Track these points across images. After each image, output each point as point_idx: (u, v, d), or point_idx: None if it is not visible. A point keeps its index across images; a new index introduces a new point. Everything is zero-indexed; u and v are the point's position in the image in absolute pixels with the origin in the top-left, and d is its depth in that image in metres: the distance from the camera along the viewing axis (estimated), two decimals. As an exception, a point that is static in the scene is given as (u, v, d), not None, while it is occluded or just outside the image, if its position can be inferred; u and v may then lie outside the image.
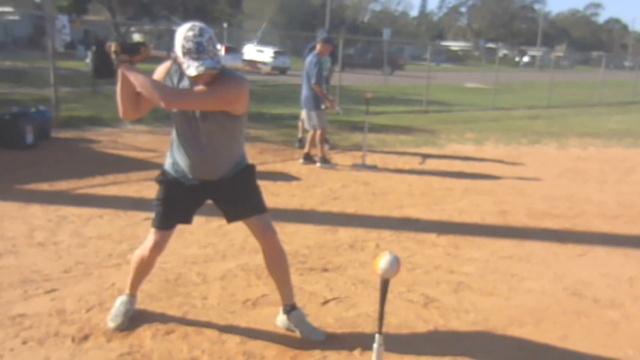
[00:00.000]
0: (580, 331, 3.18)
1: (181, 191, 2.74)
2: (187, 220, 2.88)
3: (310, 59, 6.91)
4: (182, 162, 2.70)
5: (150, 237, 2.83)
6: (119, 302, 2.98)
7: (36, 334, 2.81)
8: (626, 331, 3.21)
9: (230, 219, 2.86)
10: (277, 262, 2.88)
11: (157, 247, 2.83)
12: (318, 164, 7.02)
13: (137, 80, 2.44)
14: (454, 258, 4.19)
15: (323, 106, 6.84)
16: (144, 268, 2.94)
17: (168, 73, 2.60)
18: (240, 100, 2.56)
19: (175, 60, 2.54)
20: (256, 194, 2.84)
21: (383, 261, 1.99)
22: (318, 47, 6.93)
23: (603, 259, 4.36)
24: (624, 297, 3.67)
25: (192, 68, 2.39)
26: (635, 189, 6.81)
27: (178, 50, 2.42)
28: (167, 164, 2.78)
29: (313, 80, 6.76)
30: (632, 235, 5.02)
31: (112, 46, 2.37)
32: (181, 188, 2.74)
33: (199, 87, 2.50)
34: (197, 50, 2.38)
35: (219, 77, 2.49)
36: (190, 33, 2.39)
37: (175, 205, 2.79)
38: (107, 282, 3.42)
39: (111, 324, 2.89)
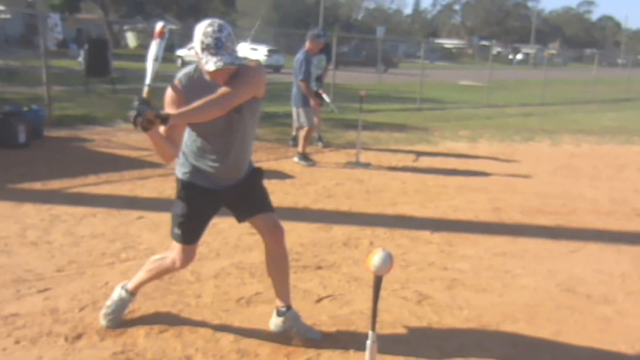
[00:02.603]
0: (573, 327, 3.19)
1: (205, 200, 2.70)
2: None
3: (298, 56, 6.96)
4: (207, 166, 2.62)
5: (178, 253, 2.77)
6: (117, 297, 2.92)
7: (29, 333, 2.80)
8: (619, 326, 3.23)
9: (242, 217, 2.83)
10: (280, 262, 2.87)
11: (188, 261, 2.82)
12: (295, 159, 7.04)
13: (190, 114, 2.38)
14: (447, 255, 4.20)
15: (312, 102, 6.85)
16: (161, 276, 2.97)
17: (178, 102, 2.49)
18: (264, 82, 2.61)
19: (174, 86, 2.50)
20: (266, 192, 2.87)
21: (376, 258, 1.99)
22: (307, 44, 6.96)
23: (596, 255, 4.38)
24: (617, 292, 3.69)
25: (210, 63, 2.37)
26: (628, 186, 6.84)
27: (197, 46, 2.42)
28: (184, 174, 2.69)
29: (300, 77, 6.79)
30: (625, 231, 5.05)
31: (149, 116, 2.22)
32: (204, 197, 2.69)
33: (224, 89, 2.46)
34: (216, 46, 2.37)
35: (238, 71, 2.48)
36: (210, 29, 2.39)
37: (202, 216, 2.75)
38: (100, 281, 3.41)
39: (104, 322, 2.88)
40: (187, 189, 2.69)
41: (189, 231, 2.74)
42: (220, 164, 2.62)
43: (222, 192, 2.70)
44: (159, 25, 2.54)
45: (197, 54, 2.44)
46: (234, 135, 2.59)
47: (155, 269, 2.90)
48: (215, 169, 2.63)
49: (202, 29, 2.41)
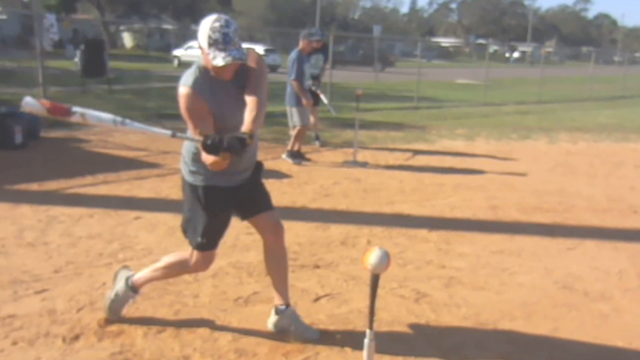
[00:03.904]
0: (570, 324, 3.20)
1: (226, 200, 2.68)
2: None
3: (291, 55, 6.99)
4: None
5: (202, 259, 2.75)
6: (122, 293, 2.91)
7: (26, 334, 2.79)
8: (616, 323, 3.23)
9: (247, 215, 2.82)
10: (280, 260, 2.88)
11: (211, 263, 2.82)
12: (284, 156, 7.04)
13: (259, 122, 2.41)
14: (445, 253, 4.21)
15: (304, 101, 6.86)
16: (173, 277, 3.01)
17: (206, 109, 2.45)
18: None
19: (194, 97, 2.42)
20: (267, 189, 2.87)
21: (372, 256, 1.99)
22: (300, 43, 7.00)
23: (593, 253, 4.39)
24: (614, 289, 3.69)
25: (219, 58, 2.36)
26: (625, 183, 6.85)
27: (203, 41, 2.39)
28: (203, 180, 2.62)
29: (292, 77, 6.81)
30: (622, 228, 5.06)
31: (249, 141, 2.27)
32: (225, 197, 2.66)
33: (253, 98, 2.46)
34: (224, 41, 2.36)
35: (243, 65, 2.49)
36: (217, 24, 2.38)
37: (225, 218, 2.74)
38: (97, 282, 3.41)
39: (109, 315, 2.91)
40: (208, 194, 2.64)
41: (214, 237, 2.73)
42: (239, 158, 2.60)
43: (237, 189, 2.69)
44: (37, 106, 2.27)
45: (202, 49, 2.42)
46: None
47: (173, 273, 2.93)
48: (235, 164, 2.57)
49: (209, 24, 2.39)
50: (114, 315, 2.92)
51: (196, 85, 2.46)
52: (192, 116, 2.44)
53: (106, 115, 2.35)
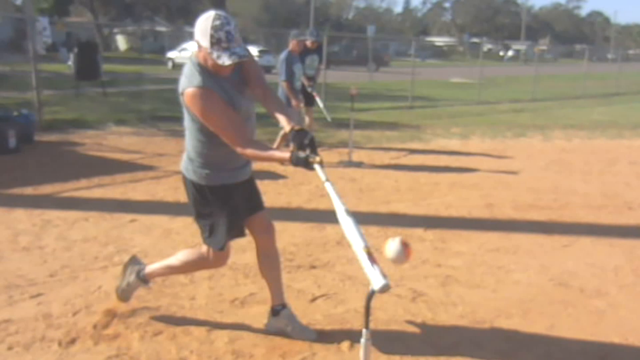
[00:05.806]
0: (566, 321, 3.21)
1: (238, 195, 2.68)
2: None
3: (280, 56, 7.01)
4: (235, 159, 2.57)
5: (219, 256, 2.77)
6: (134, 283, 3.00)
7: (22, 339, 2.78)
8: (612, 320, 3.24)
9: (244, 215, 2.83)
10: (274, 260, 2.89)
11: (229, 257, 2.84)
12: None
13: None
14: (441, 252, 4.21)
15: (293, 102, 6.85)
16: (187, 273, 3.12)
17: (224, 102, 2.45)
18: None
19: (212, 92, 2.40)
20: (258, 188, 2.88)
21: (391, 246, 2.00)
22: (289, 44, 7.01)
23: (588, 249, 4.40)
24: (610, 286, 3.71)
25: (224, 57, 2.34)
26: (619, 180, 6.87)
27: (204, 41, 2.35)
28: (216, 179, 2.62)
29: (282, 78, 6.81)
30: (617, 225, 5.07)
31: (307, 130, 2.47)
32: (236, 193, 2.67)
33: (270, 96, 2.61)
34: (228, 39, 2.34)
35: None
36: (218, 22, 2.34)
37: (241, 212, 2.74)
38: (93, 285, 3.40)
39: (120, 299, 3.03)
40: (228, 191, 2.65)
41: (233, 232, 2.73)
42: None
43: (244, 183, 2.72)
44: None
45: (202, 48, 2.39)
46: (253, 119, 2.63)
47: (187, 270, 3.03)
48: (237, 158, 2.57)
49: (210, 23, 2.34)
50: (124, 300, 3.06)
51: (205, 83, 2.42)
52: (216, 115, 2.41)
53: (353, 229, 2.39)
